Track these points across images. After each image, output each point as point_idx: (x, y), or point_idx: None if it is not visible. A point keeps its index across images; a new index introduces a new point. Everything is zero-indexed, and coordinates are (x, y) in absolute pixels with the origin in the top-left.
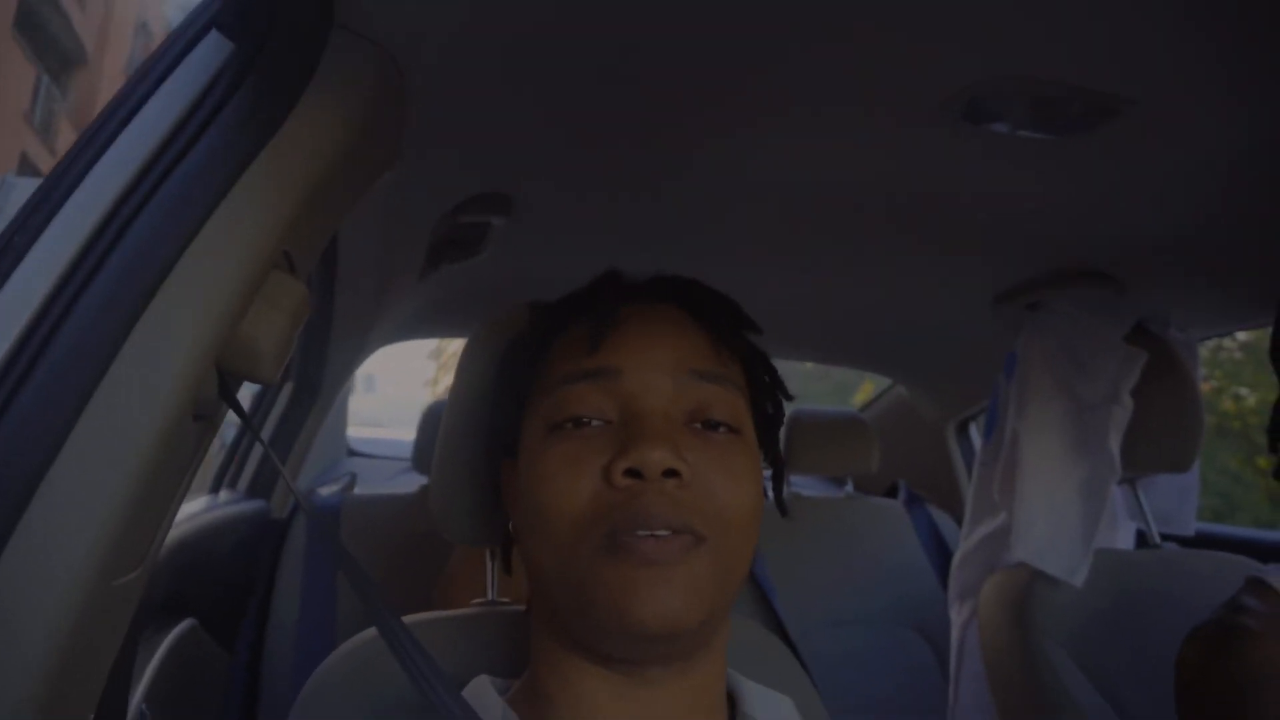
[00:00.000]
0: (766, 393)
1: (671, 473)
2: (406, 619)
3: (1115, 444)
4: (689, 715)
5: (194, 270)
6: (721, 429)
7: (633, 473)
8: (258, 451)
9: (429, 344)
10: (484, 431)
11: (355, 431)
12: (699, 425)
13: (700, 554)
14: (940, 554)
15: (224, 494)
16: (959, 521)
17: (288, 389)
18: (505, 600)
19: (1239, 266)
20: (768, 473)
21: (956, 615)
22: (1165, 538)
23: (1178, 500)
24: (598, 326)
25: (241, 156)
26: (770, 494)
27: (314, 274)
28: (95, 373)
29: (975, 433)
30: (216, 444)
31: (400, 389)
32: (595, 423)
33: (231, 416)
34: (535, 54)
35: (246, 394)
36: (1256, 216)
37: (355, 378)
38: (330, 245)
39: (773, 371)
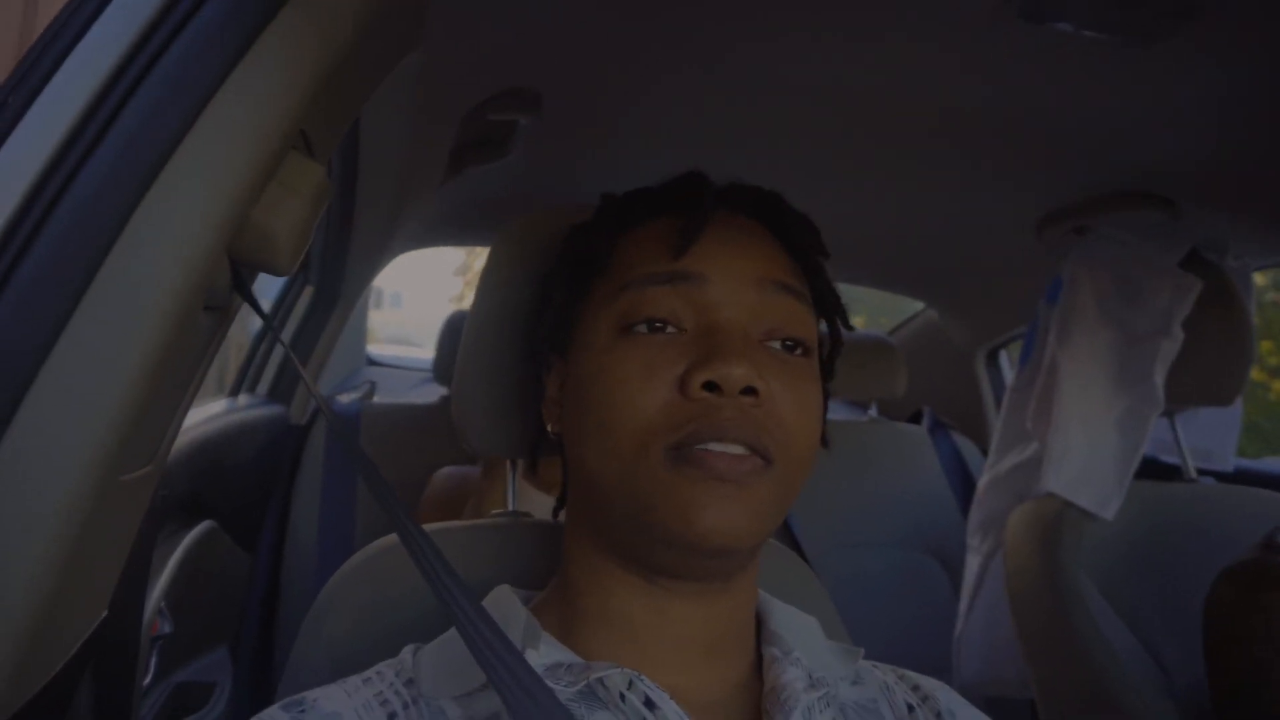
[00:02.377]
0: (830, 318)
1: (750, 390)
2: (434, 526)
3: (1160, 376)
4: (721, 631)
5: (201, 147)
6: (797, 350)
7: (711, 385)
8: (277, 356)
9: (455, 260)
10: (516, 333)
11: (377, 349)
12: (775, 345)
13: (767, 477)
14: (963, 482)
15: (243, 398)
16: (984, 450)
17: (308, 293)
18: (526, 512)
19: None
20: None
21: (978, 543)
22: (1202, 473)
23: (1219, 434)
24: (687, 228)
25: (254, 21)
26: None
27: (335, 170)
28: (96, 257)
29: (1006, 362)
30: (236, 347)
31: (426, 306)
32: (670, 329)
33: (251, 317)
34: None
35: (267, 297)
36: None
37: (380, 291)
38: (352, 139)
39: (838, 297)
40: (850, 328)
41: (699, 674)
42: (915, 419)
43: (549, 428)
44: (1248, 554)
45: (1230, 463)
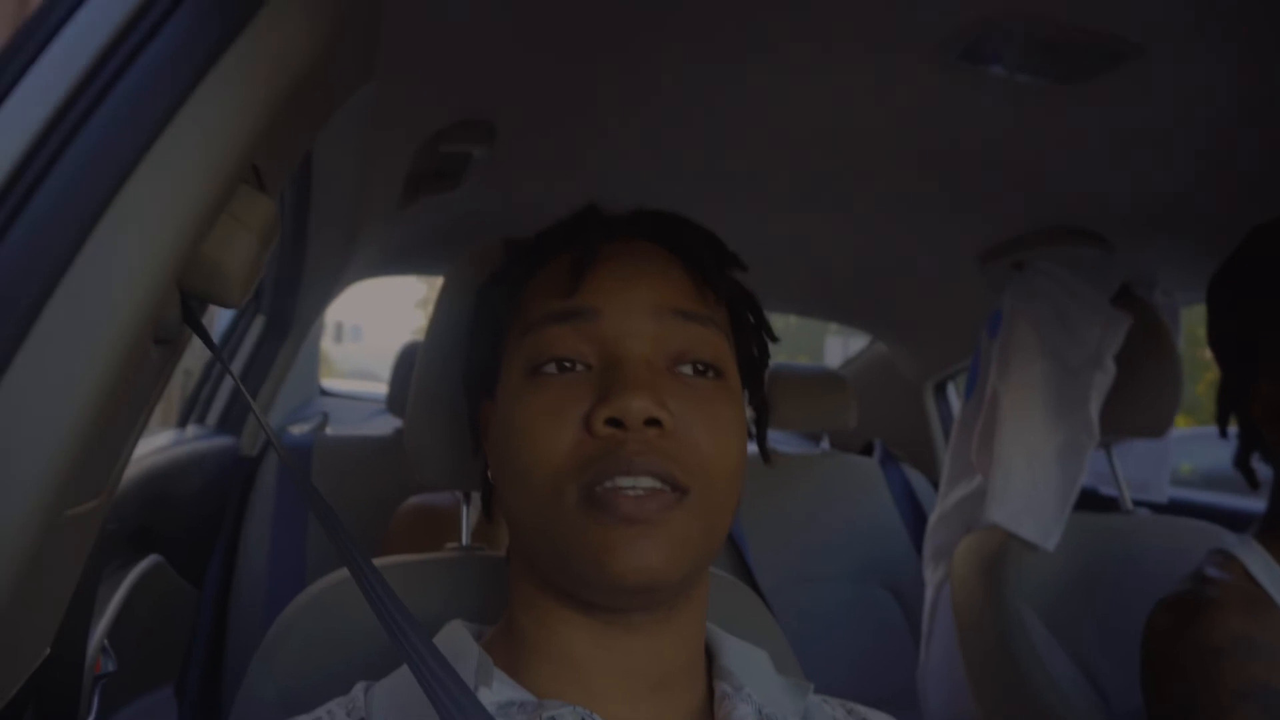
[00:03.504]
0: (751, 334)
1: (653, 421)
2: (378, 561)
3: (1095, 408)
4: (668, 664)
5: (152, 179)
6: (708, 373)
7: (614, 422)
8: (227, 387)
9: (417, 293)
10: (461, 371)
11: (338, 382)
12: (683, 369)
13: (683, 509)
14: (914, 514)
15: (191, 429)
16: (934, 482)
17: (259, 322)
18: (480, 546)
19: (1227, 228)
20: (751, 418)
21: (931, 575)
22: (1139, 504)
23: (1153, 465)
24: (576, 264)
25: (207, 54)
26: (754, 441)
27: (287, 199)
28: (45, 289)
29: (953, 393)
30: (184, 373)
31: (387, 338)
32: (578, 367)
33: (201, 347)
34: None
35: (217, 326)
36: (1247, 178)
37: (340, 325)
38: (304, 169)
39: (758, 311)
40: (775, 339)
41: (648, 709)
42: (867, 451)
43: (485, 470)
44: (1181, 584)
45: (1165, 494)
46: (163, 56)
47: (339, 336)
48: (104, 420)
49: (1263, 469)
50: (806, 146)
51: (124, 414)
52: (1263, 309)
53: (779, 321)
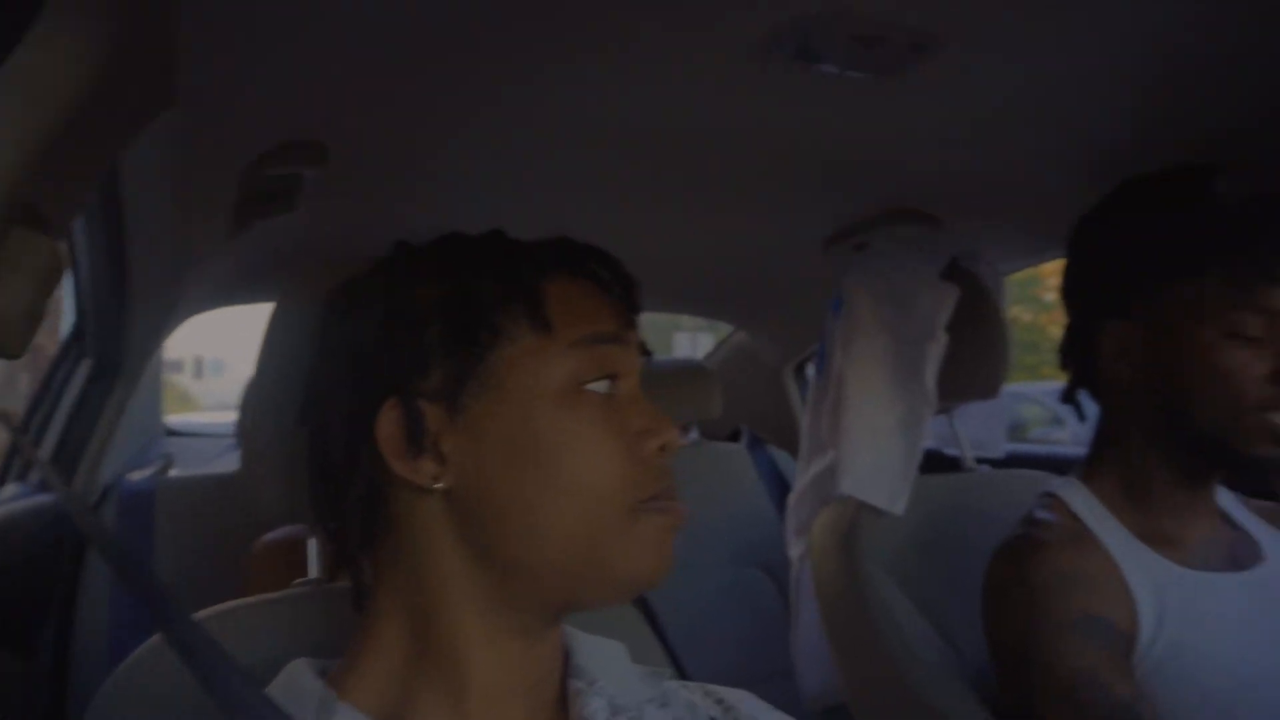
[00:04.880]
0: None
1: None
2: (225, 606)
3: (931, 377)
4: (546, 669)
5: None
6: None
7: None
8: (54, 439)
9: None
10: (363, 382)
11: (194, 418)
12: None
13: None
14: (782, 494)
15: (11, 488)
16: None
17: (86, 366)
18: (327, 579)
19: (1038, 203)
20: None
21: (794, 551)
22: (980, 461)
23: (990, 425)
24: (589, 289)
25: None
26: None
27: (97, 235)
28: None
29: (813, 375)
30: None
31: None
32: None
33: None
34: None
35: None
36: (1053, 156)
37: (199, 360)
38: (113, 201)
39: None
40: (649, 353)
41: (515, 716)
42: (735, 438)
43: (432, 482)
44: (1014, 530)
45: (1002, 449)
46: None
47: (199, 372)
48: None
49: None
50: (647, 146)
51: None
52: (1122, 254)
53: None
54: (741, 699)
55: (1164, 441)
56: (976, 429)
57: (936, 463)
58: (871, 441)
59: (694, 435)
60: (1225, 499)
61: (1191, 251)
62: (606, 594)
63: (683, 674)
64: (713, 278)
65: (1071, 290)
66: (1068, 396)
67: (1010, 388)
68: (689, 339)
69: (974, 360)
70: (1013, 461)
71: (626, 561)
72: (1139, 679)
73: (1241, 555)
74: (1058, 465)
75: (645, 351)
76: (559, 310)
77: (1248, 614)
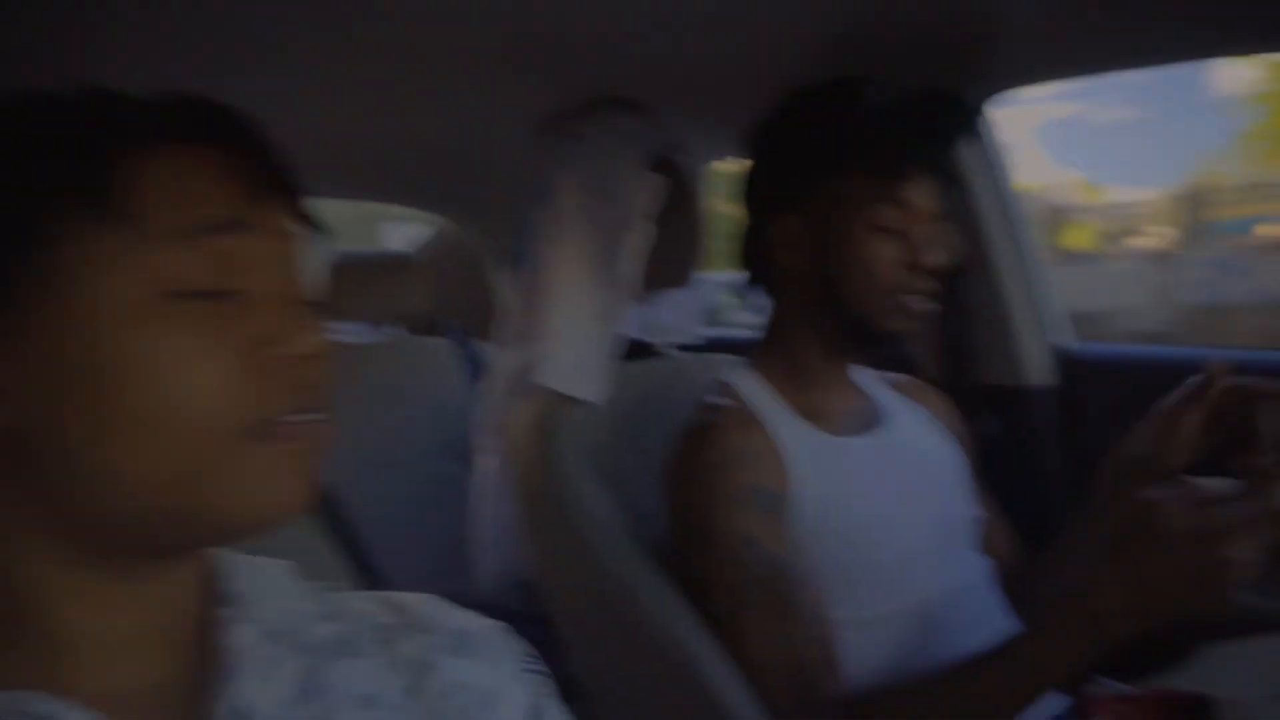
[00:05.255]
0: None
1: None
2: None
3: (629, 267)
4: (180, 607)
5: None
6: None
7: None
8: None
9: None
10: None
11: None
12: None
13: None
14: None
15: None
16: None
17: None
18: None
19: (741, 100)
20: None
21: (487, 444)
22: (681, 348)
23: (685, 313)
24: (206, 161)
25: None
26: None
27: None
28: None
29: None
30: None
31: None
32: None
33: None
34: None
35: None
36: (751, 58)
37: None
38: None
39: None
40: (324, 230)
41: (138, 664)
42: (433, 331)
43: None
44: (691, 414)
45: (696, 335)
46: None
47: None
48: None
49: None
50: (346, 20)
51: None
52: (787, 154)
53: (329, 210)
54: (421, 602)
55: (821, 324)
56: (675, 316)
57: (637, 351)
58: (570, 332)
59: (395, 329)
60: (859, 373)
61: (841, 152)
62: (222, 536)
63: (379, 576)
64: (416, 164)
65: (748, 189)
66: (745, 289)
67: (714, 276)
68: (397, 229)
69: (671, 250)
70: (711, 346)
71: (239, 499)
72: (797, 532)
73: (870, 420)
74: (750, 347)
75: (310, 232)
76: (153, 193)
77: (875, 467)
